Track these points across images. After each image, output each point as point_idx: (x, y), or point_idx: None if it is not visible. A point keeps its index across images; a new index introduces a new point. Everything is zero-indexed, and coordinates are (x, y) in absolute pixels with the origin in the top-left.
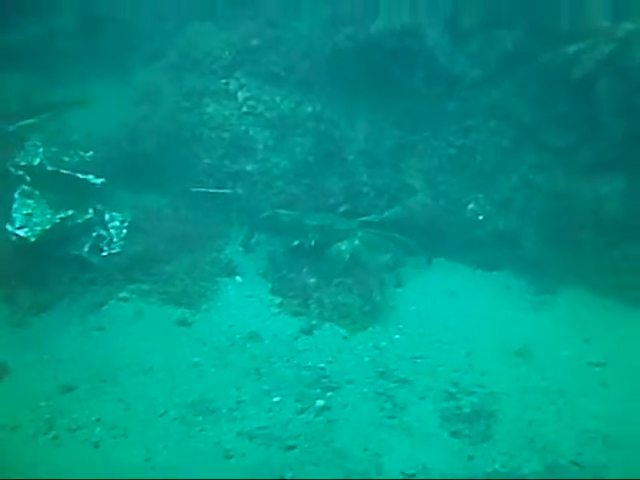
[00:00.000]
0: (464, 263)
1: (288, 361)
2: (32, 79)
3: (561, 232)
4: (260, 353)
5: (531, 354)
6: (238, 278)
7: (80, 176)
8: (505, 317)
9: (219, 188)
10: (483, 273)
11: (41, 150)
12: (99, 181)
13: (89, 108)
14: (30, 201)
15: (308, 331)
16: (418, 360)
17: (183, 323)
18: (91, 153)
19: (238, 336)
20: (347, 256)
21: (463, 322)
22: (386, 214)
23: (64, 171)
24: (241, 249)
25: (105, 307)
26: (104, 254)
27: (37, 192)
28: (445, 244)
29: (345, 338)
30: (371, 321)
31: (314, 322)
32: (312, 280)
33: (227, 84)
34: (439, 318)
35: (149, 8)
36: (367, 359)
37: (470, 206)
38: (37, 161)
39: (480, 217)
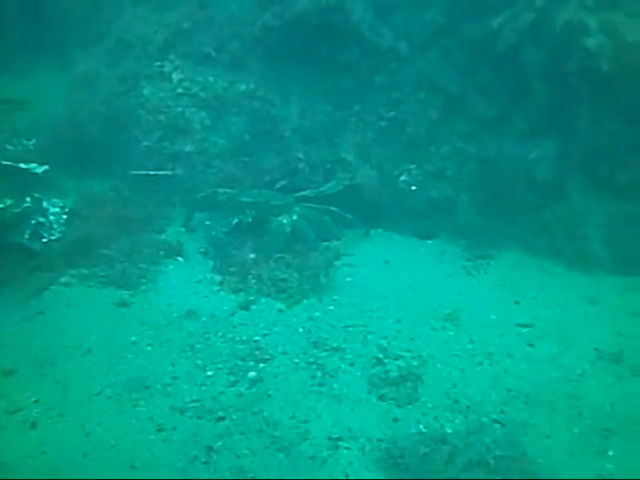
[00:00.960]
0: (400, 233)
1: (223, 336)
2: None
3: (494, 198)
4: (196, 330)
5: (460, 318)
6: (179, 259)
7: (22, 166)
8: (437, 284)
9: (159, 170)
10: (418, 242)
11: None
12: (41, 169)
13: (32, 96)
14: None
15: (245, 306)
16: (350, 329)
17: (122, 304)
18: (34, 141)
19: (175, 315)
20: (287, 230)
21: (395, 290)
22: (322, 188)
23: (5, 162)
24: (182, 229)
25: (46, 292)
26: (44, 240)
27: None
28: (381, 216)
29: (281, 312)
30: (307, 294)
31: (252, 298)
32: (252, 256)
33: (161, 66)
34: (373, 288)
35: None
36: (301, 330)
37: (403, 177)
38: None
39: (413, 187)
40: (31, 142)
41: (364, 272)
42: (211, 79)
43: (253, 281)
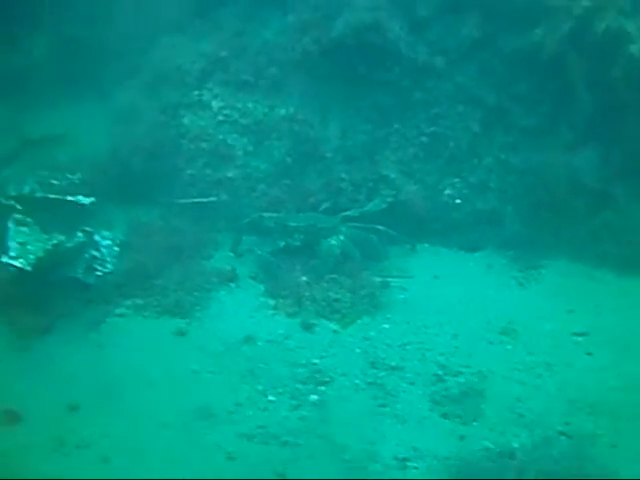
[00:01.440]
0: (447, 247)
1: (282, 360)
2: (10, 109)
3: (540, 207)
4: (254, 355)
5: (516, 331)
6: (231, 284)
7: (69, 198)
8: (489, 296)
9: (204, 197)
10: (466, 255)
11: (30, 177)
12: (88, 201)
13: (71, 129)
14: (24, 229)
15: (300, 329)
16: (407, 347)
17: (179, 333)
18: (78, 175)
19: (233, 340)
20: (338, 251)
21: (448, 305)
22: (366, 207)
23: (53, 195)
24: (231, 255)
25: (103, 325)
26: (98, 273)
27: (30, 219)
28: (427, 230)
29: (336, 332)
30: (361, 314)
31: (306, 320)
32: (304, 278)
33: (200, 95)
34: (425, 303)
35: (121, 24)
36: (358, 350)
37: (447, 191)
38: (27, 189)
39: (458, 201)
40: (76, 176)
41: (415, 288)
42: (250, 105)
43: (307, 303)
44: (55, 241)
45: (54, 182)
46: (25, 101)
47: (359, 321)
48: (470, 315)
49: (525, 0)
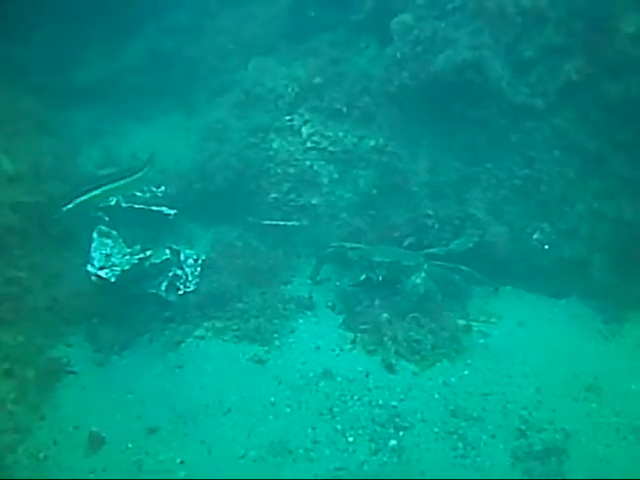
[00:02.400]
0: (531, 292)
1: (360, 399)
2: (95, 117)
3: (629, 259)
4: (332, 392)
5: (601, 388)
6: (308, 312)
7: (154, 208)
8: (574, 348)
9: (286, 220)
10: (550, 302)
11: None
12: (172, 212)
13: (158, 144)
14: (108, 240)
15: (380, 368)
16: (488, 397)
17: (258, 361)
18: (163, 189)
19: (311, 374)
20: (422, 290)
21: (532, 355)
22: (452, 246)
23: (138, 206)
24: (309, 282)
25: (183, 345)
26: (180, 292)
27: (114, 232)
28: (511, 274)
29: (416, 375)
30: (441, 357)
31: (385, 358)
32: (385, 315)
33: (291, 120)
34: (507, 351)
35: (216, 41)
36: (437, 396)
37: (535, 235)
38: (113, 200)
39: (546, 246)
40: (160, 189)
41: (497, 333)
42: (341, 134)
43: (389, 342)
44: (142, 255)
45: (138, 194)
46: (111, 110)
47: (439, 365)
48: (554, 368)
49: (631, 45)
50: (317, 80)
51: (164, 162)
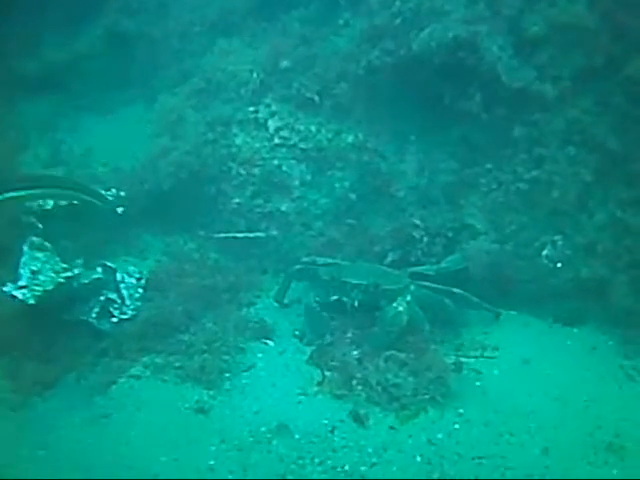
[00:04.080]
0: (539, 318)
1: (321, 463)
2: (46, 109)
3: None
4: (288, 452)
5: (624, 448)
6: (270, 343)
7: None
8: (591, 393)
9: (250, 231)
10: (562, 331)
11: None
12: (120, 210)
13: (113, 140)
14: (40, 254)
15: (348, 420)
16: (483, 461)
17: (200, 410)
18: (113, 191)
19: (264, 428)
20: (405, 320)
21: (539, 403)
22: (443, 264)
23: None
24: (275, 304)
25: (114, 387)
26: (114, 320)
27: (48, 244)
28: (516, 297)
29: (393, 429)
30: (426, 405)
31: (356, 408)
32: (355, 353)
33: (256, 112)
34: (509, 398)
35: (178, 23)
36: (419, 459)
37: (545, 251)
38: (52, 203)
39: (558, 264)
40: (110, 192)
41: (497, 373)
42: (313, 128)
43: (358, 387)
44: (69, 273)
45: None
46: (64, 101)
47: (423, 415)
48: (567, 420)
49: None
50: (285, 64)
51: (120, 161)
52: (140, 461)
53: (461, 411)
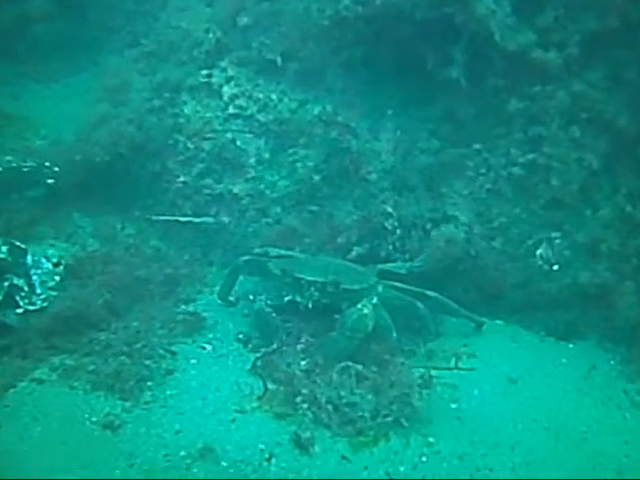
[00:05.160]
0: (529, 330)
1: None
2: None
3: None
4: None
5: None
6: (207, 347)
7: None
8: (589, 422)
9: (197, 215)
10: (556, 346)
11: None
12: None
13: (52, 109)
14: None
15: (290, 446)
16: None
17: (109, 425)
18: (47, 164)
19: (183, 452)
20: (370, 324)
21: (526, 433)
22: (417, 261)
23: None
24: (218, 301)
25: (12, 391)
26: (19, 311)
27: None
28: (503, 303)
29: (345, 459)
30: (387, 430)
31: (300, 430)
32: (303, 364)
33: (209, 76)
34: (490, 425)
35: None
36: None
37: (540, 250)
38: None
39: (555, 266)
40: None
41: (476, 394)
42: (274, 97)
43: (304, 404)
44: None
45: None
46: (6, 68)
47: (383, 443)
48: (560, 455)
49: None
50: (244, 21)
51: (61, 133)
52: None
53: (431, 440)
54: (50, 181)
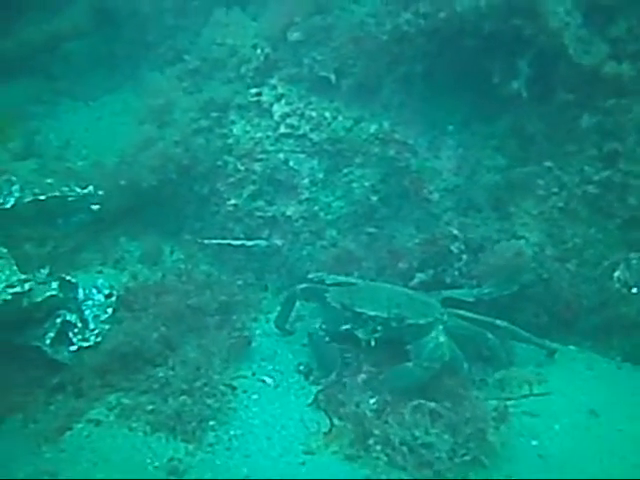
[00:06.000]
0: (605, 356)
1: None
2: (18, 94)
3: None
4: None
5: None
6: (268, 380)
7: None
8: None
9: (249, 239)
10: (635, 372)
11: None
12: (96, 208)
13: (95, 130)
14: None
15: None
16: None
17: (174, 471)
18: (90, 189)
19: None
20: (447, 354)
21: (615, 473)
22: (486, 288)
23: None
24: (275, 330)
25: (68, 434)
26: (73, 348)
27: (3, 248)
28: (577, 329)
29: None
30: (466, 470)
31: (374, 475)
32: (372, 401)
33: (259, 94)
34: (576, 464)
35: None
36: None
37: (617, 272)
38: (11, 201)
39: (634, 289)
40: (86, 190)
41: (557, 429)
42: (328, 115)
43: (377, 446)
44: (17, 288)
45: (57, 193)
46: (40, 86)
47: None
48: None
49: None
50: (295, 37)
51: (101, 154)
52: None
53: None
54: (95, 207)
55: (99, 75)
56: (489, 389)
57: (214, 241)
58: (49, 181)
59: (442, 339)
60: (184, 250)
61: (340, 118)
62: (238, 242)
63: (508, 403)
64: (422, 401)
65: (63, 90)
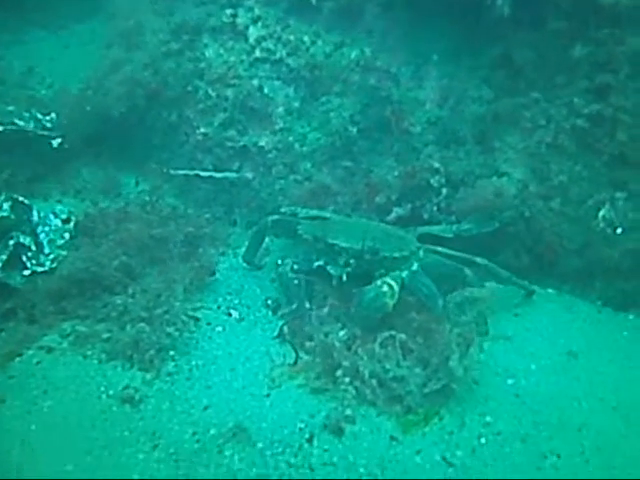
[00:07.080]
0: (585, 299)
1: None
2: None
3: None
4: (246, 468)
5: None
6: (233, 313)
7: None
8: None
9: (219, 170)
10: (616, 316)
11: None
12: (56, 143)
13: (61, 56)
14: None
15: (331, 426)
16: None
17: (128, 400)
18: (52, 116)
19: (214, 431)
20: (388, 305)
21: (593, 413)
22: (465, 224)
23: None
24: (244, 264)
25: (18, 360)
26: (26, 273)
27: None
28: (558, 270)
29: (394, 440)
30: (439, 407)
31: (343, 408)
32: (342, 333)
33: (234, 16)
34: (553, 405)
35: None
36: None
37: (603, 212)
38: None
39: (618, 229)
40: (48, 117)
41: (534, 369)
42: (306, 39)
43: (345, 376)
44: None
45: (19, 123)
46: (10, 14)
47: (436, 423)
48: (633, 439)
49: None
50: None
51: (68, 82)
52: (36, 467)
53: (488, 419)
54: (56, 142)
55: (69, 4)
56: (466, 327)
57: (181, 172)
58: (10, 109)
59: (385, 288)
60: (150, 181)
61: (319, 43)
62: (206, 173)
63: (484, 345)
64: (393, 332)
65: (32, 19)
